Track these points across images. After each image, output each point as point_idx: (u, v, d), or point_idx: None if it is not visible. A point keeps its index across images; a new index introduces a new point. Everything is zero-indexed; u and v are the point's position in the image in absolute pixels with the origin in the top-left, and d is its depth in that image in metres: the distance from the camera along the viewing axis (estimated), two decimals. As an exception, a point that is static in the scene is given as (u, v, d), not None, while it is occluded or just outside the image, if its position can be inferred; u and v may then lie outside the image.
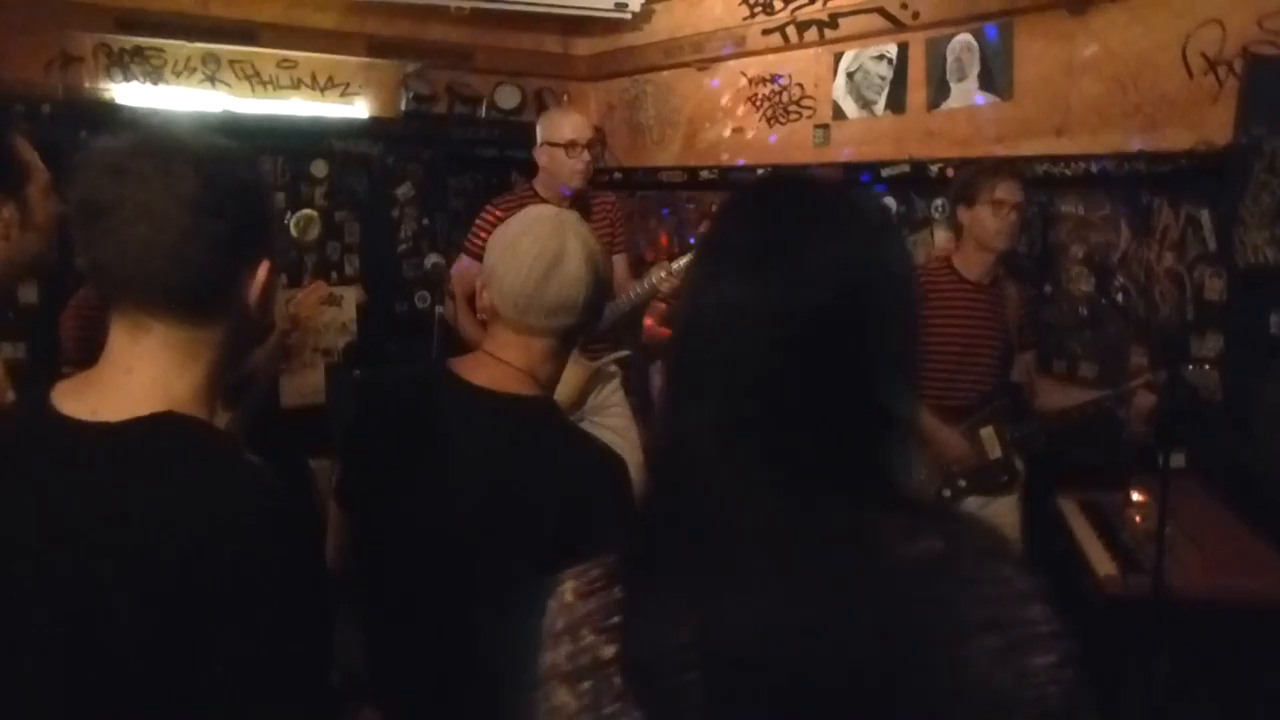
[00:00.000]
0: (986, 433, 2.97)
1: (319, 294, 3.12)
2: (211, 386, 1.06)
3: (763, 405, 0.79)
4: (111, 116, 4.07)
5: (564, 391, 3.36)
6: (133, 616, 0.90)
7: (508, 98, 5.13)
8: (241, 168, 1.06)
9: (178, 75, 4.32)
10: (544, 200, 3.41)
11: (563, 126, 3.39)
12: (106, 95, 4.15)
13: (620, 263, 3.58)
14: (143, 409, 0.99)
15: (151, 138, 1.03)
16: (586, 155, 3.41)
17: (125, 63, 4.20)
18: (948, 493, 2.97)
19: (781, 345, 0.79)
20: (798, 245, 0.81)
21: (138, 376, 1.02)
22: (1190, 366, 3.00)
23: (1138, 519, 2.71)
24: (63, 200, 1.43)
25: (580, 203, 3.44)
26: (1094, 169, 3.40)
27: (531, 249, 1.50)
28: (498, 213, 3.43)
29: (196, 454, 0.99)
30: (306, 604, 0.98)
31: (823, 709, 0.74)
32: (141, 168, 0.99)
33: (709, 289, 0.83)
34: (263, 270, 1.06)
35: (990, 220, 2.97)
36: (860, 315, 0.80)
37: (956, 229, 3.11)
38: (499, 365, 1.52)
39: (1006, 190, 2.97)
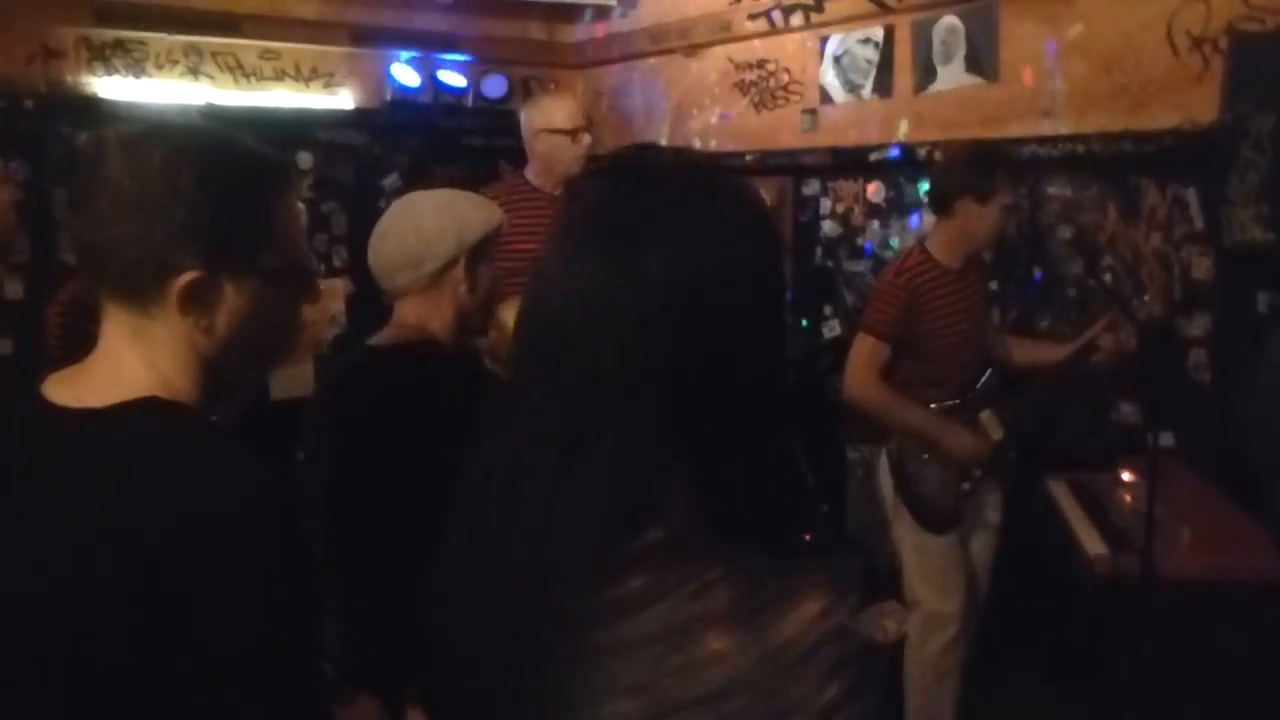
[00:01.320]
0: (986, 416, 2.93)
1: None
2: (197, 380, 1.05)
3: (590, 404, 0.72)
4: (94, 110, 4.04)
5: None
6: (118, 602, 0.90)
7: (494, 86, 5.11)
8: (217, 159, 1.03)
9: (160, 68, 4.29)
10: (536, 190, 3.39)
11: (562, 113, 3.32)
12: (88, 89, 4.12)
13: None
14: (127, 394, 0.99)
15: (143, 123, 1.04)
16: (588, 139, 3.38)
17: (107, 56, 4.17)
18: (967, 485, 2.92)
19: (619, 336, 0.71)
20: (654, 231, 0.73)
21: (119, 363, 1.02)
22: (1135, 301, 3.01)
23: (1127, 499, 2.72)
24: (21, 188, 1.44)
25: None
26: (1080, 150, 3.39)
27: (375, 231, 1.87)
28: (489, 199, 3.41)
29: (180, 439, 0.99)
30: (294, 589, 0.98)
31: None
32: (108, 150, 1.00)
33: (559, 274, 0.76)
34: (182, 280, 1.00)
35: (997, 223, 2.86)
36: (713, 305, 0.73)
37: (946, 213, 2.91)
38: (396, 328, 1.85)
39: (1016, 195, 2.90)
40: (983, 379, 2.98)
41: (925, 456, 2.88)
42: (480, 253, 1.86)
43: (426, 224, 1.82)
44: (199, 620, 0.90)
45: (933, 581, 2.91)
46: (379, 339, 1.85)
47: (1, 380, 1.78)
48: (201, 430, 1.02)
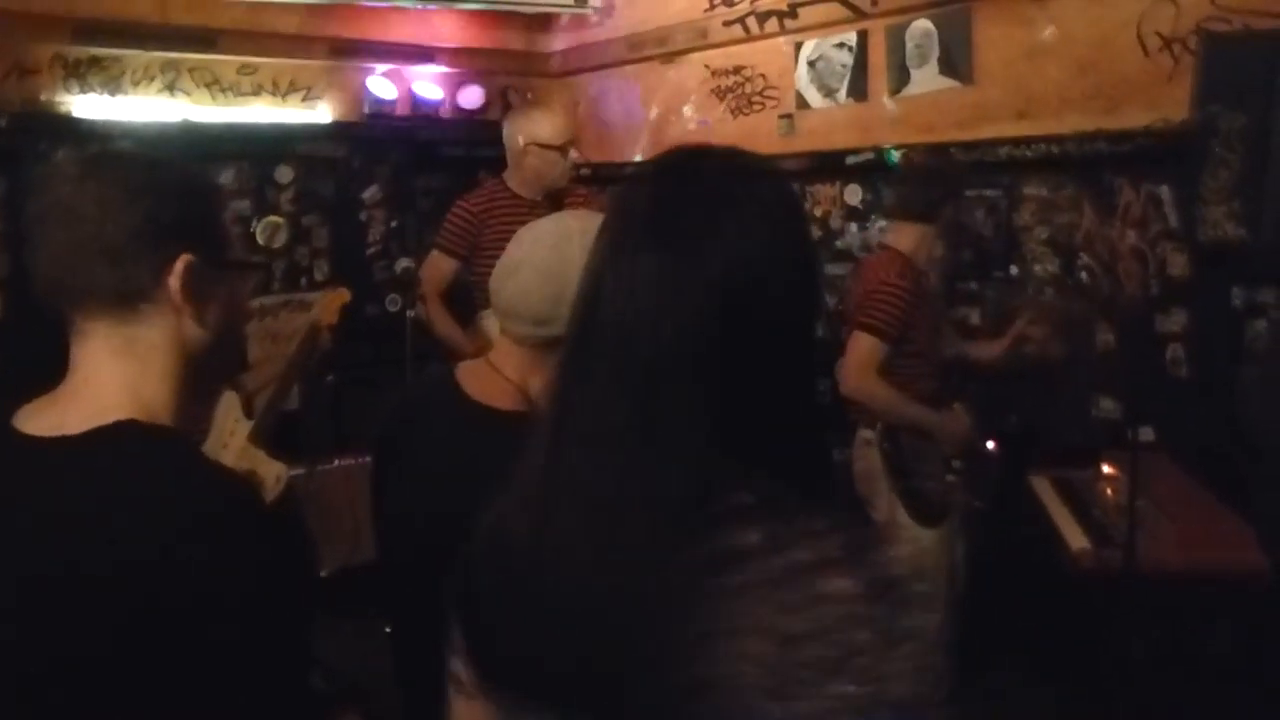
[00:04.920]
0: (958, 407, 3.01)
1: (342, 299, 3.11)
2: (175, 391, 1.06)
3: (656, 387, 0.79)
4: (70, 128, 4.02)
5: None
6: (100, 630, 0.90)
7: (471, 96, 5.12)
8: (166, 168, 1.07)
9: (136, 85, 4.28)
10: (518, 197, 3.41)
11: (552, 128, 3.37)
12: (64, 107, 4.10)
13: None
14: (105, 418, 0.98)
15: (88, 149, 1.06)
16: (575, 154, 3.43)
17: (82, 73, 4.15)
18: (951, 477, 2.97)
19: (681, 326, 0.79)
20: (702, 224, 0.81)
21: (95, 387, 1.02)
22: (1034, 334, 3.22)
23: (1109, 493, 2.75)
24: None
25: (553, 198, 3.43)
26: (1056, 150, 3.43)
27: (510, 251, 1.52)
28: (469, 207, 3.43)
29: (156, 461, 0.99)
30: (275, 609, 0.98)
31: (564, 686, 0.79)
32: (66, 173, 1.02)
33: (611, 268, 0.83)
34: (180, 263, 1.04)
35: (939, 246, 2.97)
36: (763, 298, 0.81)
37: (929, 219, 2.99)
38: (492, 375, 1.51)
39: (955, 221, 2.99)
40: (949, 372, 3.07)
41: (919, 449, 2.94)
42: None
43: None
44: (183, 643, 0.90)
45: (918, 576, 2.94)
46: (471, 384, 1.51)
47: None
48: (181, 452, 1.03)
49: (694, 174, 0.87)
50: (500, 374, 1.49)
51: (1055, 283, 3.53)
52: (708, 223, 0.81)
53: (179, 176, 1.08)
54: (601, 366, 0.82)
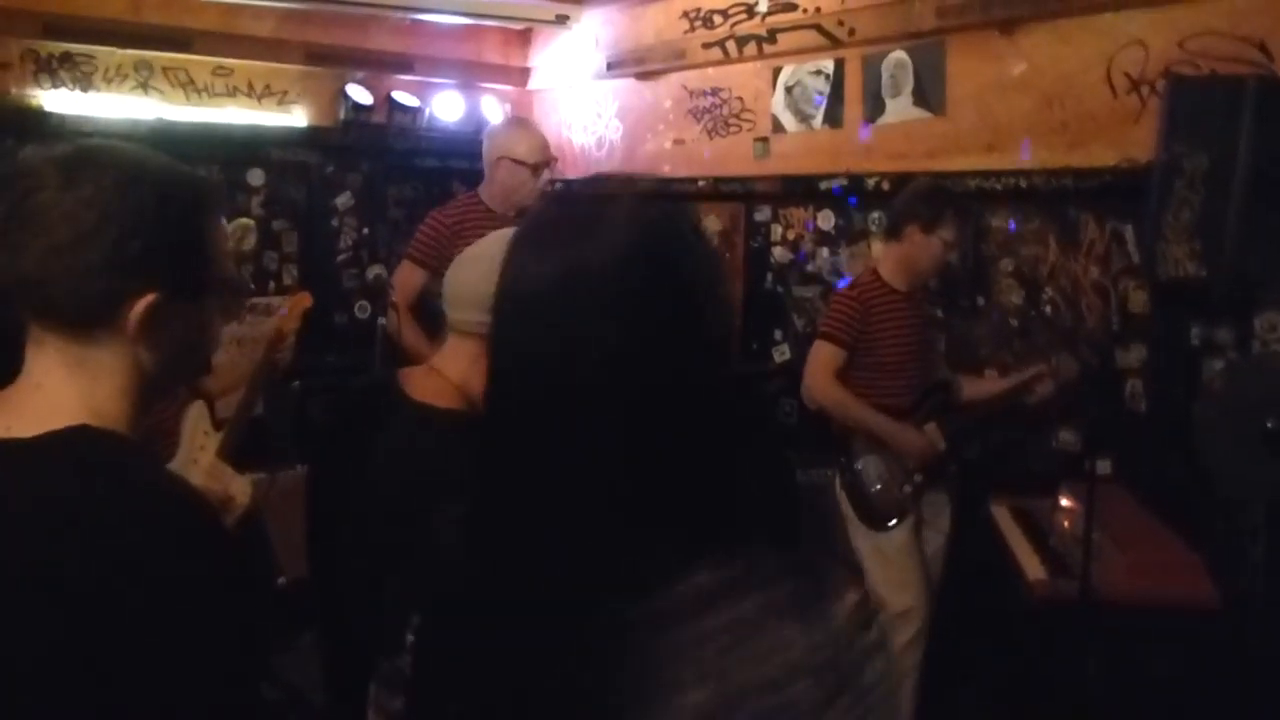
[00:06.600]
0: (930, 427, 3.09)
1: (304, 304, 3.05)
2: (131, 406, 1.03)
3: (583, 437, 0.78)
4: (39, 124, 3.97)
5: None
6: (42, 633, 0.88)
7: (448, 107, 5.12)
8: (148, 181, 1.01)
9: (109, 82, 4.24)
10: (489, 210, 3.41)
11: (532, 147, 3.34)
12: (34, 103, 4.05)
13: None
14: (57, 423, 0.96)
15: (75, 146, 1.00)
16: (548, 175, 3.41)
17: (54, 69, 4.11)
18: (908, 488, 3.06)
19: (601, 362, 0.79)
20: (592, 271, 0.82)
21: (47, 392, 1.00)
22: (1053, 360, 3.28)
23: (1066, 524, 2.79)
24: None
25: (525, 215, 3.43)
26: (1023, 184, 3.49)
27: (467, 251, 1.57)
28: (441, 220, 3.41)
29: (107, 467, 0.96)
30: (224, 621, 0.96)
31: None
32: (44, 175, 0.97)
33: (514, 326, 0.87)
34: (141, 304, 0.99)
35: (940, 253, 3.06)
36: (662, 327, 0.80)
37: (896, 238, 3.12)
38: (434, 376, 1.53)
39: (960, 230, 3.08)
40: (931, 393, 3.15)
41: (871, 456, 3.05)
42: None
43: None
44: (128, 652, 0.89)
45: (892, 581, 3.02)
46: (413, 385, 1.52)
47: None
48: (131, 458, 1.00)
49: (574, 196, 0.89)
50: (442, 375, 1.52)
51: (1020, 314, 3.60)
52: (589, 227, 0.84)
53: (159, 195, 1.01)
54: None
